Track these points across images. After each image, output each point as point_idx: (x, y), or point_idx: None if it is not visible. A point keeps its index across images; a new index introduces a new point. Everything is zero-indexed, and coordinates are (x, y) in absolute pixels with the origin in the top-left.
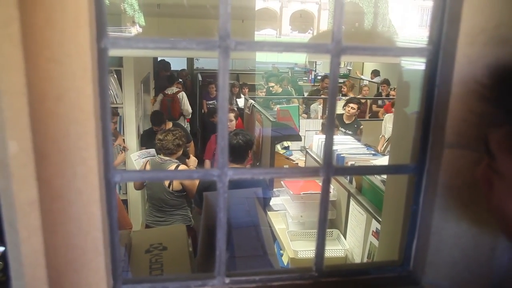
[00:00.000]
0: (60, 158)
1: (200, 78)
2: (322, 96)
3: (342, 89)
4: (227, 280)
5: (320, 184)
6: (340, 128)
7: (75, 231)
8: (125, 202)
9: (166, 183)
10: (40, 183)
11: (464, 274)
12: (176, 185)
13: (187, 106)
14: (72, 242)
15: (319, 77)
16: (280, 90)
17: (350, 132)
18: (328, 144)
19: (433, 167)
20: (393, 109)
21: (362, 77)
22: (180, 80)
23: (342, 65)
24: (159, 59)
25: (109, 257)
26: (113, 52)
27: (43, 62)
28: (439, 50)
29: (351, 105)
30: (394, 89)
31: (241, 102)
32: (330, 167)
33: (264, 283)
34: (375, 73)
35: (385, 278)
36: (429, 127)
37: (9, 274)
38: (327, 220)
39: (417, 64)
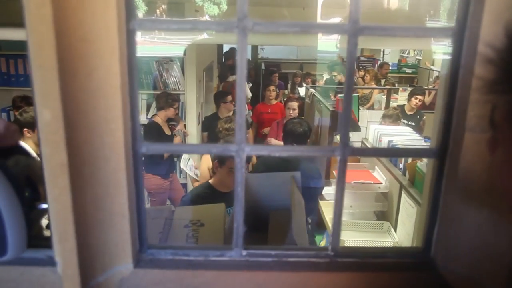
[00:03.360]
0: (89, 128)
1: (263, 67)
2: (387, 86)
3: (365, 77)
4: (244, 253)
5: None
6: (402, 119)
7: (102, 194)
8: (184, 185)
9: None
10: (70, 149)
11: (484, 262)
12: None
13: (247, 92)
14: (100, 204)
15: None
16: (343, 79)
17: (412, 124)
18: (345, 124)
19: (454, 151)
20: None
21: (432, 67)
22: None
23: (411, 55)
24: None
25: (135, 222)
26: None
27: (75, 41)
28: (465, 29)
29: (419, 97)
30: None
31: (302, 91)
32: (347, 147)
33: (280, 258)
34: None
35: (404, 263)
36: (452, 110)
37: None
38: (343, 199)
39: None
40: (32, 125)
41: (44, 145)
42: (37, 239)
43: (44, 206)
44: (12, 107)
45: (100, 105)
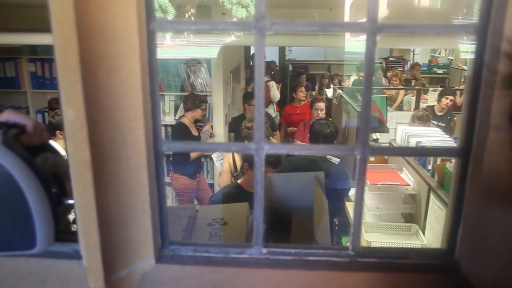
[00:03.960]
0: (111, 126)
1: (290, 69)
2: (416, 87)
3: (392, 81)
4: (264, 250)
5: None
6: (432, 120)
7: (125, 191)
8: (211, 185)
9: None
10: (93, 147)
11: (510, 266)
12: None
13: (276, 93)
14: (122, 201)
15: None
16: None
17: (443, 125)
18: (365, 122)
19: (478, 151)
20: None
21: (464, 67)
22: (271, 71)
23: (442, 54)
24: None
25: (157, 218)
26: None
27: (97, 43)
28: (488, 26)
29: (449, 97)
30: None
31: (330, 92)
32: (366, 146)
33: (300, 256)
34: None
35: (426, 265)
36: (476, 109)
37: None
38: (363, 198)
39: None
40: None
41: (69, 143)
42: (64, 233)
43: (71, 201)
44: (48, 108)
45: (122, 104)
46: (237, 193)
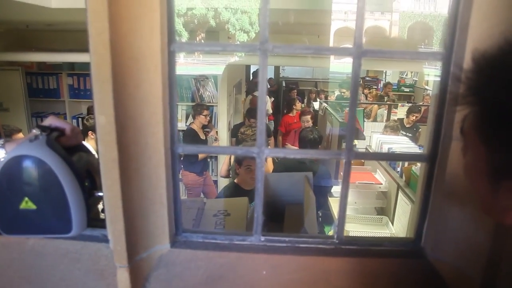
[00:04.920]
0: (135, 130)
1: (284, 85)
2: (387, 102)
3: (368, 97)
4: (262, 238)
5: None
6: (401, 131)
7: (146, 186)
8: (215, 182)
9: None
10: (120, 147)
11: (466, 253)
12: None
13: (268, 107)
14: (144, 194)
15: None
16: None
17: (410, 135)
18: (350, 131)
19: (443, 158)
20: None
21: (426, 87)
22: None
23: (408, 76)
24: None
25: (173, 209)
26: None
27: (126, 59)
28: (452, 53)
29: (415, 114)
30: None
31: (316, 105)
32: (351, 151)
33: (293, 244)
34: None
35: (398, 251)
36: (441, 122)
37: None
38: (347, 195)
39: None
40: (95, 128)
41: (100, 144)
42: (94, 220)
43: (100, 194)
44: (87, 114)
45: (145, 112)
46: (234, 192)
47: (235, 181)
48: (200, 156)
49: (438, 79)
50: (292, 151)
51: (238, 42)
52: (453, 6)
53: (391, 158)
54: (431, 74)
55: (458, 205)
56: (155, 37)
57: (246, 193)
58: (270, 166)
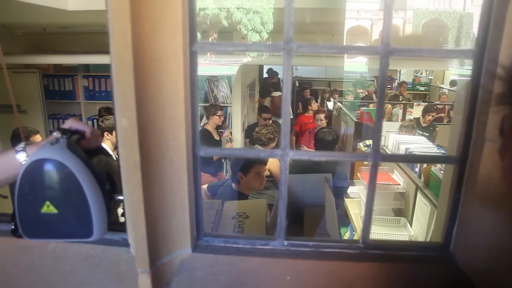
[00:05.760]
0: (157, 133)
1: (297, 84)
2: (402, 101)
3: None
4: (285, 243)
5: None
6: (418, 130)
7: (167, 190)
8: None
9: None
10: (142, 150)
11: (499, 258)
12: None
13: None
14: (165, 198)
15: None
16: (363, 94)
17: (426, 134)
18: (377, 133)
19: (474, 159)
20: None
21: (441, 85)
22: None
23: (424, 74)
24: (266, 68)
25: (194, 213)
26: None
27: (148, 61)
28: (484, 51)
29: (432, 113)
30: None
31: (330, 105)
32: (378, 154)
33: (316, 248)
34: (453, 83)
35: (426, 256)
36: (472, 123)
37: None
38: (374, 198)
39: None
40: (110, 129)
41: (122, 147)
42: (114, 224)
43: (120, 197)
44: (98, 115)
45: (167, 114)
46: (236, 198)
47: (236, 189)
48: (215, 157)
49: (465, 78)
50: (317, 153)
51: (250, 42)
52: (486, 0)
53: (418, 160)
54: (453, 73)
55: (490, 209)
56: (177, 37)
57: (244, 198)
58: (277, 167)
